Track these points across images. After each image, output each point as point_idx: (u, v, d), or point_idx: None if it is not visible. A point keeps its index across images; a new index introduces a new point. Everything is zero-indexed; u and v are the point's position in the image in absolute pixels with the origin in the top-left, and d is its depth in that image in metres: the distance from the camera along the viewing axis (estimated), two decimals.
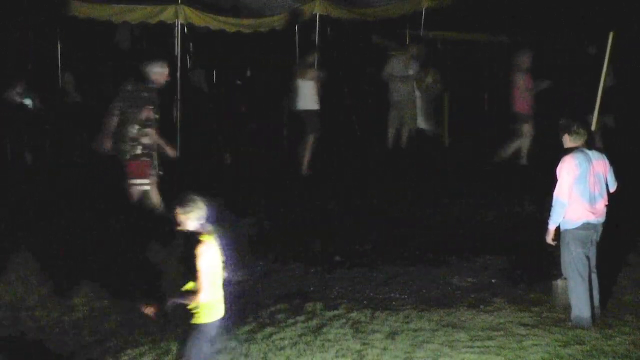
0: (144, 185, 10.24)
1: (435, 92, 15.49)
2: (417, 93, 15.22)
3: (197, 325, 6.08)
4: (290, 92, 13.82)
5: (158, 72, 10.08)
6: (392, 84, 15.09)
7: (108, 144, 10.12)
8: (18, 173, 12.85)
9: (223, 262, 6.13)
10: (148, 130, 10.05)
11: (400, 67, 15.09)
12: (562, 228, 7.70)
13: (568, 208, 7.62)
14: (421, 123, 15.39)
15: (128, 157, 10.07)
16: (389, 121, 15.22)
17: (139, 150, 10.06)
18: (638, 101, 15.36)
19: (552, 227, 7.68)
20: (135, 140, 10.03)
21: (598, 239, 7.76)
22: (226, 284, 8.93)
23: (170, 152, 10.39)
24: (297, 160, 13.60)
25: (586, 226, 7.61)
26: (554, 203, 7.63)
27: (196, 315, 6.09)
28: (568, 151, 7.66)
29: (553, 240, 7.74)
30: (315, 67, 14.01)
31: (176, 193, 12.20)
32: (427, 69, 15.42)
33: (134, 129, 10.01)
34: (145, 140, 10.05)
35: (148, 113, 10.02)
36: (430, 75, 15.39)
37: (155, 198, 10.34)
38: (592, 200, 7.61)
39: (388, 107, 15.26)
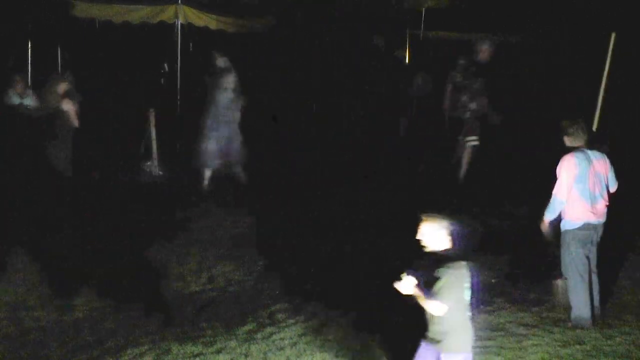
0: (474, 142, 12.55)
1: (425, 93, 15.58)
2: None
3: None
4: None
5: (484, 49, 12.34)
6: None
7: (446, 107, 12.69)
8: (18, 174, 12.83)
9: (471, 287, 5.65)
10: (470, 97, 12.25)
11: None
12: (562, 228, 7.70)
13: (568, 208, 7.63)
14: None
15: (462, 119, 12.40)
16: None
17: (468, 114, 12.35)
18: (638, 101, 15.36)
19: (547, 219, 7.71)
20: (465, 106, 12.31)
21: (598, 239, 7.76)
22: (226, 284, 9.00)
23: (496, 118, 12.44)
24: None
25: (587, 226, 7.62)
26: (552, 200, 7.65)
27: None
28: (568, 151, 7.67)
29: (546, 232, 7.76)
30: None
31: (179, 192, 12.27)
32: (416, 70, 15.54)
33: (466, 97, 12.27)
34: (473, 106, 12.27)
35: (476, 83, 12.21)
36: (420, 76, 15.48)
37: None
38: (592, 201, 7.61)
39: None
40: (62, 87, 11.98)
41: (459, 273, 5.53)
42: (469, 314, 5.63)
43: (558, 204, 7.62)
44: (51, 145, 12.05)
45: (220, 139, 12.21)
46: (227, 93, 12.15)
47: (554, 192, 7.65)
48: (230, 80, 12.20)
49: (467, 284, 5.58)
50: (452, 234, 5.66)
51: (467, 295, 5.58)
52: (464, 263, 5.57)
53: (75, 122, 11.97)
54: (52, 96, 12.04)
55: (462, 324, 5.60)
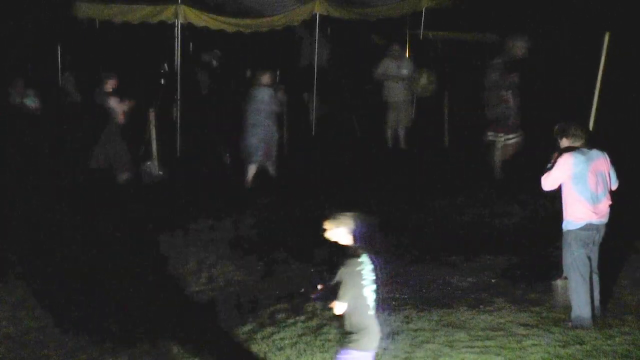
0: (516, 138, 12.54)
1: (430, 93, 15.55)
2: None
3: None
4: None
5: (518, 45, 12.26)
6: (386, 84, 15.20)
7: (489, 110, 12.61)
8: (18, 173, 12.84)
9: (375, 284, 5.63)
10: (510, 93, 12.32)
11: (393, 68, 15.18)
12: (564, 228, 7.70)
13: (569, 208, 7.63)
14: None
15: (493, 116, 12.47)
16: (386, 122, 15.31)
17: (510, 112, 12.38)
18: (637, 101, 15.36)
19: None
20: (500, 103, 12.33)
21: (600, 239, 7.75)
22: (226, 284, 9.00)
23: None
24: None
25: (588, 227, 7.61)
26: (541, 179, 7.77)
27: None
28: (569, 149, 7.67)
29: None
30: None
31: (179, 192, 12.27)
32: (421, 69, 15.48)
33: (506, 94, 12.27)
34: (511, 103, 12.33)
35: (514, 79, 12.27)
36: (424, 75, 15.44)
37: (504, 154, 12.61)
38: (594, 200, 7.60)
39: (385, 107, 15.34)
40: (110, 84, 12.31)
41: (353, 271, 5.52)
42: (372, 311, 5.56)
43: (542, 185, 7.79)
44: (100, 143, 12.40)
45: (261, 133, 12.71)
46: (265, 89, 12.74)
47: (542, 178, 7.71)
48: (267, 76, 12.85)
49: (366, 281, 5.54)
50: (353, 232, 5.65)
51: (366, 291, 5.53)
52: (360, 260, 5.54)
53: (121, 119, 12.24)
54: (101, 94, 12.37)
55: (363, 322, 5.54)
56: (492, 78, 12.50)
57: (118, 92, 12.41)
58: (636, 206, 10.37)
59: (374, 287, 5.59)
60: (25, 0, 14.45)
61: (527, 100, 12.89)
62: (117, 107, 12.34)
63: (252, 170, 12.74)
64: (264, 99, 12.65)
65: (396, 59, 15.28)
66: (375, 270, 5.61)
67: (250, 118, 12.71)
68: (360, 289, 5.52)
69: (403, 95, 15.27)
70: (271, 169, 12.90)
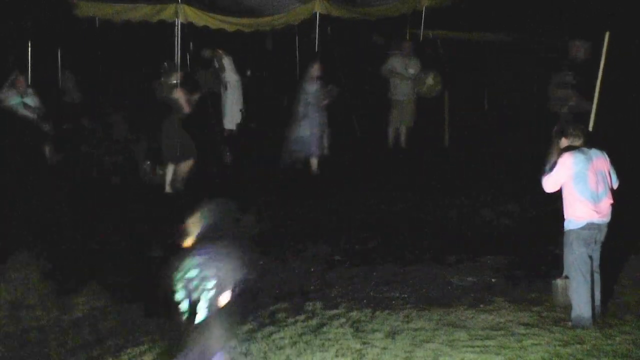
0: None
1: (435, 93, 15.55)
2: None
3: None
4: None
5: (576, 46, 12.50)
6: (392, 82, 15.19)
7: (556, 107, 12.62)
8: (18, 172, 12.84)
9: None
10: (569, 92, 12.36)
11: (400, 66, 15.18)
12: (565, 228, 7.70)
13: (570, 208, 7.63)
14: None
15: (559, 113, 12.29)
16: (389, 121, 15.31)
17: (566, 109, 12.23)
18: (637, 101, 15.34)
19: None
20: (564, 100, 12.31)
21: (602, 239, 7.74)
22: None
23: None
24: None
25: (590, 226, 7.60)
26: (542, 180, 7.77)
27: None
28: (568, 149, 7.67)
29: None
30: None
31: (179, 192, 12.24)
32: (427, 70, 15.47)
33: (566, 93, 12.32)
34: (572, 102, 12.20)
35: (574, 80, 12.31)
36: (430, 76, 15.42)
37: None
38: (595, 199, 7.60)
39: (388, 106, 15.33)
40: (175, 77, 12.53)
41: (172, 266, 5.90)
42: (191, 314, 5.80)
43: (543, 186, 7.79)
44: (161, 133, 12.62)
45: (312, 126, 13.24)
46: (316, 82, 13.24)
47: (543, 179, 7.70)
48: (317, 69, 13.30)
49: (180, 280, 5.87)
50: (200, 232, 6.13)
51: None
52: (189, 259, 5.97)
53: (186, 109, 12.53)
54: (166, 86, 12.76)
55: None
56: (555, 78, 12.67)
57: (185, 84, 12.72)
58: (636, 206, 10.37)
59: (199, 289, 5.72)
60: (25, 0, 14.45)
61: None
62: (183, 98, 12.51)
63: (314, 162, 13.31)
64: (315, 92, 13.08)
65: (405, 57, 15.31)
66: (215, 275, 5.97)
67: (302, 111, 13.04)
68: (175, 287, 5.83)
69: (408, 94, 15.30)
70: (314, 163, 13.29)
